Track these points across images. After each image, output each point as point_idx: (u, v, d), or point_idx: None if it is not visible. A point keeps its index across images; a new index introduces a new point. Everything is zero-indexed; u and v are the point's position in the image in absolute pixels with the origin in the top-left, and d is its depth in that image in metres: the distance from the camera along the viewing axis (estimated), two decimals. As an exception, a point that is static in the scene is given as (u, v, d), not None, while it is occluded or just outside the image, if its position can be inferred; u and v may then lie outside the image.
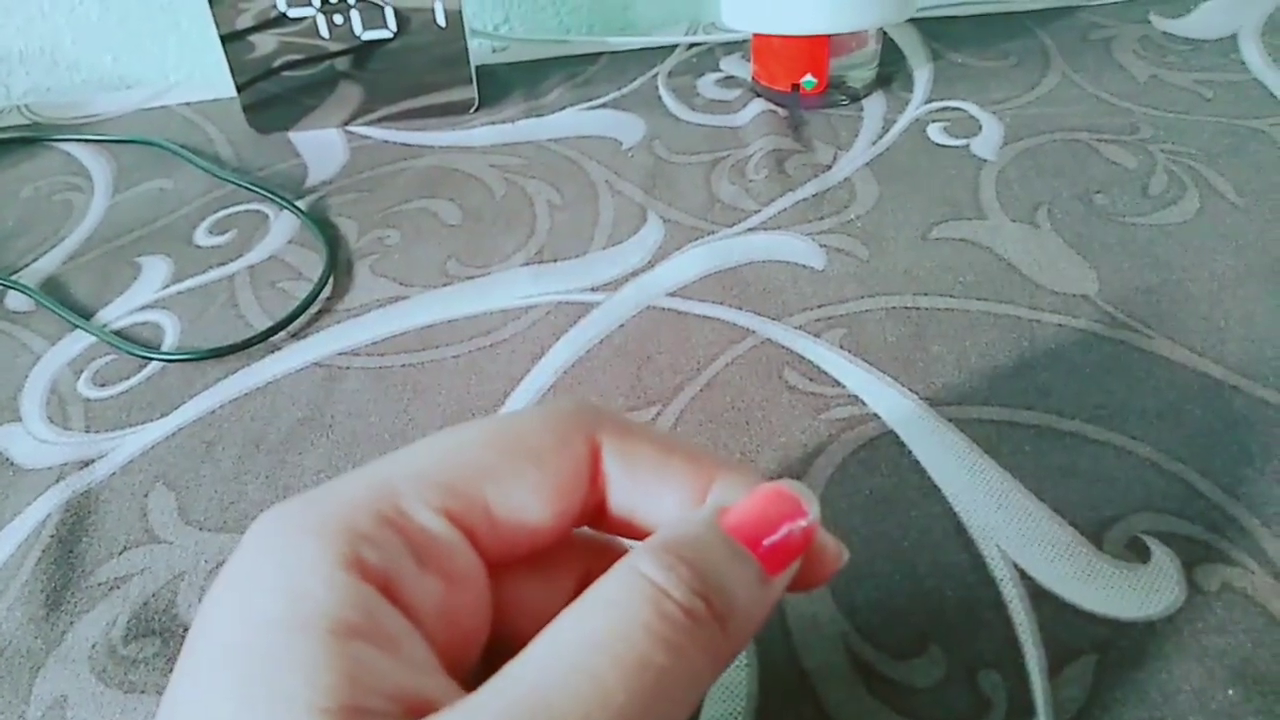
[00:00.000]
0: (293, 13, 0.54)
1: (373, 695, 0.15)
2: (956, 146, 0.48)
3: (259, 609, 0.16)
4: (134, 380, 0.39)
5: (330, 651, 0.15)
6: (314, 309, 0.42)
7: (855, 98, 0.53)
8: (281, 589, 0.16)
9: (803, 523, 0.19)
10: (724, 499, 0.19)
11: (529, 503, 0.19)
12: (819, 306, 0.38)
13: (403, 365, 0.38)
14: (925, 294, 0.38)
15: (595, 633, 0.16)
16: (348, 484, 0.18)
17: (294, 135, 0.57)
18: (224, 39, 0.55)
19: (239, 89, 0.57)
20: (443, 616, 0.18)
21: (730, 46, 0.62)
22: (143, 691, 0.27)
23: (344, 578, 0.16)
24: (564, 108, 0.57)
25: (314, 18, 0.54)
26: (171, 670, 0.27)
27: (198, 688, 0.16)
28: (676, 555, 0.17)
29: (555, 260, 0.43)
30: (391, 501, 0.18)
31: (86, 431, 0.37)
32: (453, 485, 0.18)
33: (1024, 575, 0.28)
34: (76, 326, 0.42)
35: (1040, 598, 0.27)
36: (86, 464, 0.35)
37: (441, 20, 0.54)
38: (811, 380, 0.35)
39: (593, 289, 0.41)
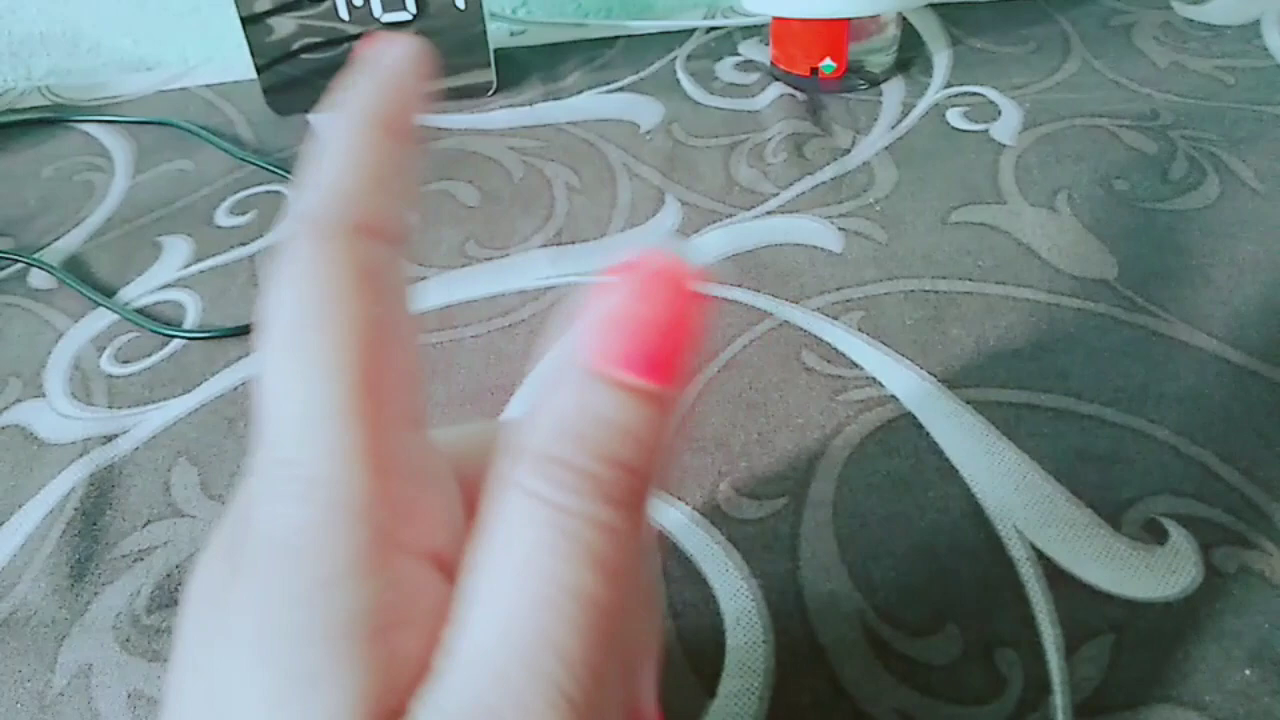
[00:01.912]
0: (312, -6, 0.54)
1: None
2: (976, 131, 0.48)
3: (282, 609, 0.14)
4: (156, 357, 0.39)
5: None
6: (334, 288, 0.42)
7: (874, 82, 0.53)
8: (332, 582, 0.14)
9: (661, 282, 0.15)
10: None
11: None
12: (837, 289, 0.39)
13: (421, 345, 0.38)
14: (944, 277, 0.38)
15: (519, 583, 0.14)
16: (314, 455, 0.15)
17: (313, 117, 0.57)
18: (244, 21, 0.55)
19: (259, 71, 0.57)
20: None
21: (749, 30, 0.62)
22: (166, 660, 0.28)
23: (402, 566, 0.15)
24: (582, 91, 0.57)
25: (334, 0, 0.55)
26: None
27: (223, 681, 0.14)
28: (560, 458, 0.14)
29: (573, 242, 0.43)
30: (365, 456, 0.15)
31: (110, 407, 0.37)
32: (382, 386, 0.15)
33: (1041, 555, 0.28)
34: (99, 304, 0.43)
35: (1057, 578, 0.27)
36: (110, 439, 0.36)
37: (461, 3, 0.54)
38: (829, 362, 0.35)
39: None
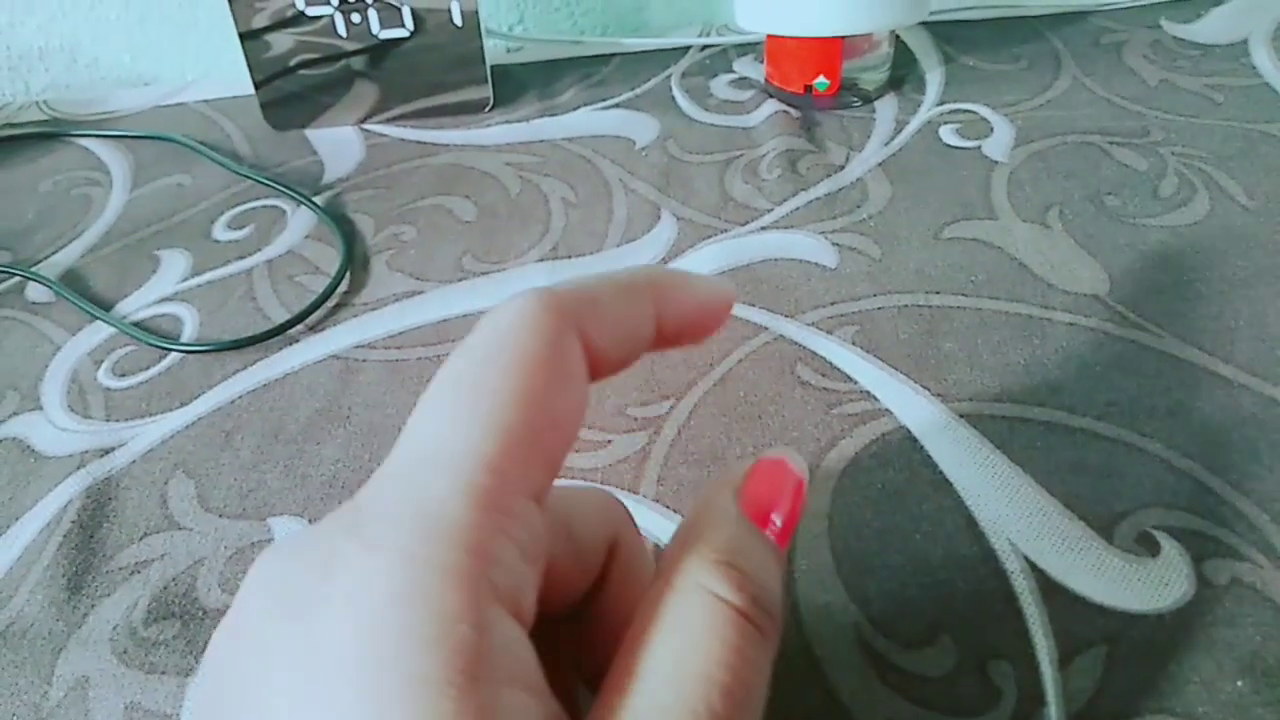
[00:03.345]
0: (311, 11, 0.55)
1: None
2: (968, 148, 0.48)
3: (408, 660, 0.14)
4: (153, 371, 0.40)
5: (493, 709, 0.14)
6: (331, 303, 0.42)
7: (867, 100, 0.54)
8: (430, 639, 0.14)
9: (797, 484, 0.20)
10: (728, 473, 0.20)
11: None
12: (831, 304, 0.39)
13: (419, 358, 0.39)
14: (937, 292, 0.39)
15: (693, 664, 0.16)
16: (441, 487, 0.16)
17: (310, 133, 0.58)
18: (242, 37, 0.55)
19: (257, 86, 0.57)
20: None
21: (743, 48, 0.63)
22: (164, 672, 0.28)
23: (494, 615, 0.15)
24: (578, 107, 0.57)
25: (331, 16, 0.55)
26: (191, 652, 0.28)
27: None
28: (730, 564, 0.18)
29: (570, 257, 0.44)
30: (497, 502, 0.16)
31: (107, 420, 0.37)
32: (530, 457, 0.17)
33: (1034, 568, 0.28)
34: (96, 318, 0.43)
35: (1050, 590, 0.27)
36: (107, 452, 0.36)
37: (458, 20, 0.55)
38: (824, 376, 0.35)
39: (607, 285, 0.41)
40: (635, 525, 0.23)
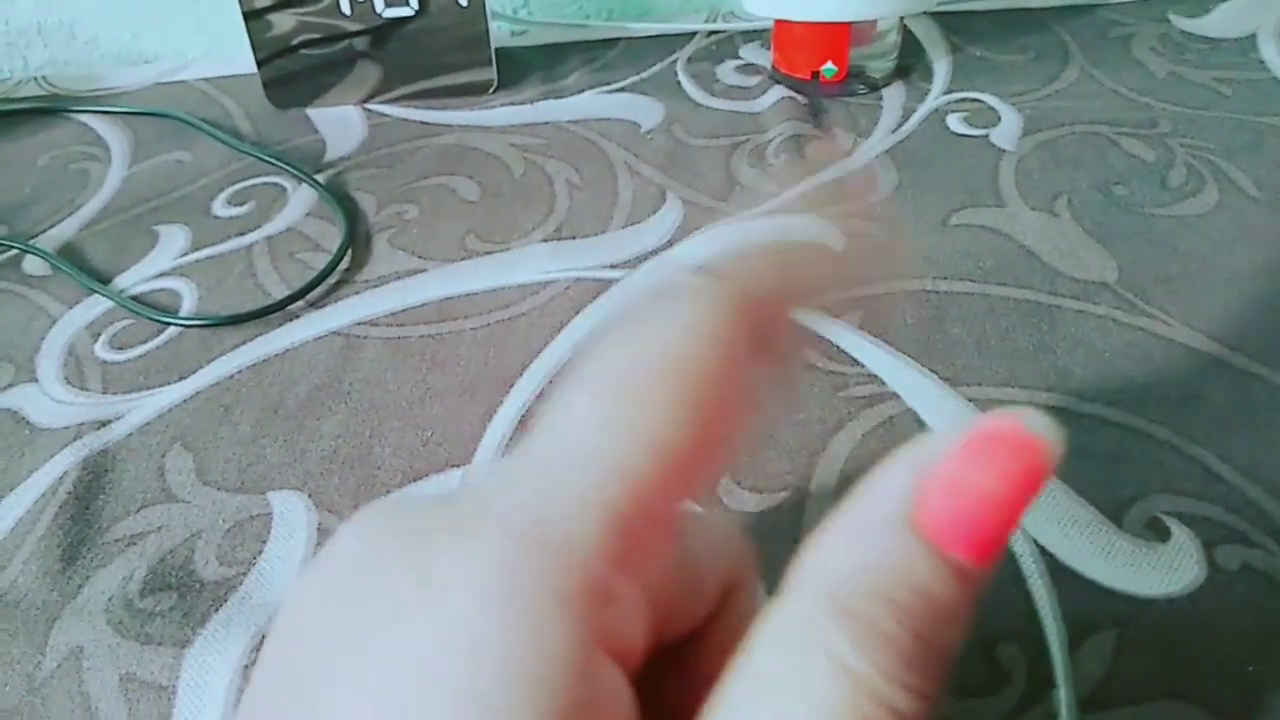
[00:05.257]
0: (315, -12, 0.54)
1: None
2: (976, 136, 0.48)
3: (502, 698, 0.12)
4: (151, 344, 0.39)
5: None
6: (332, 279, 0.42)
7: (874, 87, 0.53)
8: (528, 679, 0.12)
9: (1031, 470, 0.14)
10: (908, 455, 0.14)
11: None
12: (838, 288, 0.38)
13: (420, 336, 0.38)
14: (945, 278, 0.38)
15: None
16: (572, 502, 0.14)
17: (312, 112, 0.57)
18: (245, 16, 0.55)
19: (259, 65, 0.57)
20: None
21: (749, 35, 0.62)
22: (160, 643, 0.27)
23: (600, 661, 0.13)
24: (582, 91, 0.57)
25: (336, -6, 0.54)
26: (188, 624, 0.28)
27: None
28: (870, 620, 0.13)
29: (574, 237, 0.43)
30: (633, 531, 0.14)
31: (104, 393, 0.37)
32: (680, 487, 0.14)
33: (1044, 551, 0.28)
34: (94, 291, 0.42)
35: (1060, 573, 0.27)
36: (104, 424, 0.35)
37: (463, 1, 0.54)
38: (830, 359, 0.35)
39: (612, 266, 0.41)
40: (757, 569, 0.19)
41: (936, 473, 0.14)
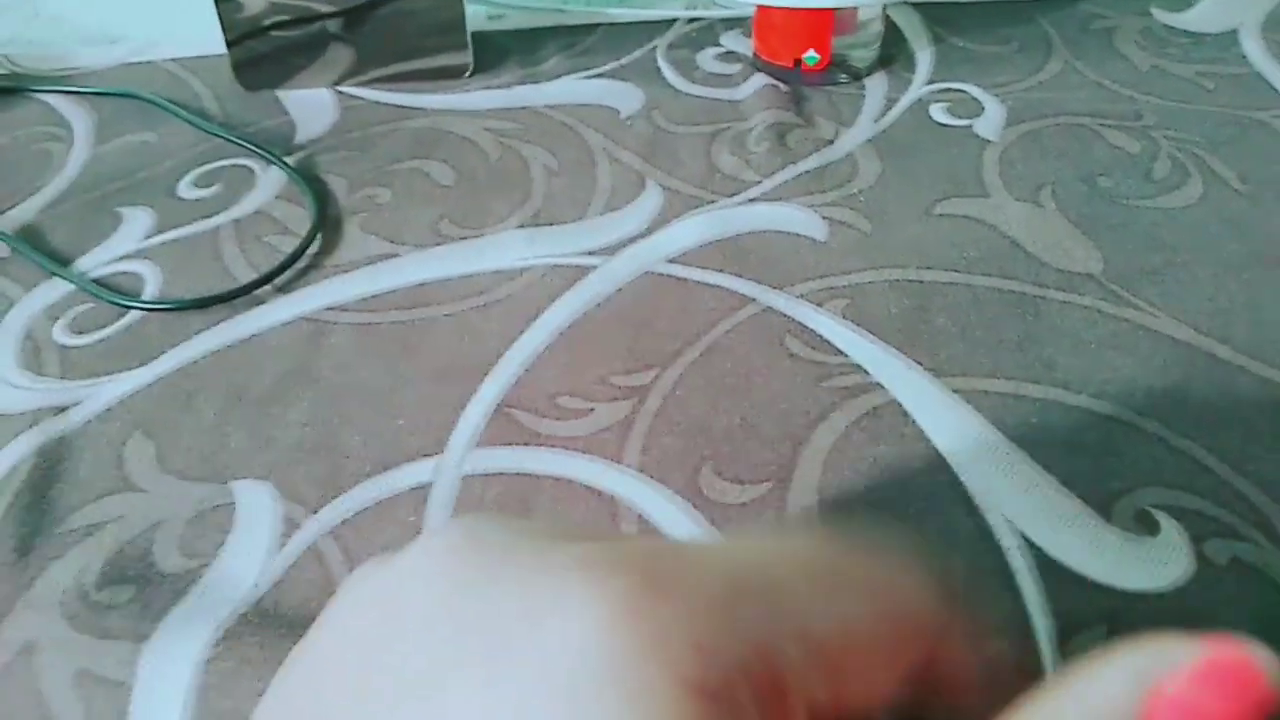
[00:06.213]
0: (286, -33, 0.53)
1: None
2: (959, 126, 0.47)
3: None
4: (112, 329, 0.38)
5: None
6: (301, 263, 0.41)
7: (857, 76, 0.53)
8: None
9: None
10: (1140, 668, 0.14)
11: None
12: (821, 277, 0.38)
13: (392, 322, 0.37)
14: (929, 268, 0.38)
15: None
16: (716, 612, 0.14)
17: (283, 94, 0.56)
18: (215, -7, 0.53)
19: (229, 45, 0.55)
20: None
21: (730, 22, 0.61)
22: (117, 638, 0.26)
23: None
24: (560, 76, 0.56)
25: (308, -27, 0.53)
26: (146, 617, 0.26)
27: None
28: None
29: (551, 224, 0.42)
30: (771, 672, 0.14)
31: (62, 378, 0.35)
32: (840, 668, 0.15)
33: (1031, 545, 0.27)
34: (53, 274, 0.41)
35: (1048, 568, 0.26)
36: (61, 410, 0.34)
37: (439, -18, 0.53)
38: (814, 349, 0.34)
39: (590, 253, 0.40)
40: (959, 638, 0.18)
41: (1168, 695, 0.14)
